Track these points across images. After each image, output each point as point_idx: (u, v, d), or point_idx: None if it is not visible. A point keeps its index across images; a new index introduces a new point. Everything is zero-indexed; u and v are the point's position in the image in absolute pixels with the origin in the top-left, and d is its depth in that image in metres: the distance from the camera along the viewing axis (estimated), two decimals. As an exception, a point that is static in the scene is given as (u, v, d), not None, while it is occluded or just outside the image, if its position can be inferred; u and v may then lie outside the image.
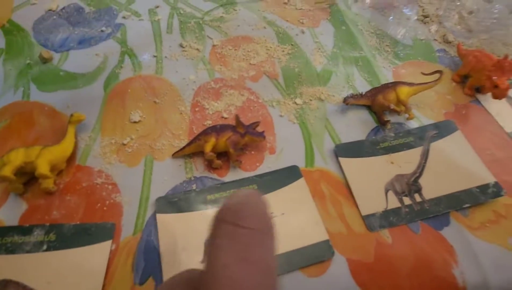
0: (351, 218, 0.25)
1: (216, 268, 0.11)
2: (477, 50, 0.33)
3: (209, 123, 0.30)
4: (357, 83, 0.34)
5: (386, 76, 0.35)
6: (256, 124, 0.29)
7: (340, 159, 0.28)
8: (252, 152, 0.28)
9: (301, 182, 0.27)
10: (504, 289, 0.24)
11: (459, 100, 0.33)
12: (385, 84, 0.31)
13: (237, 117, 0.27)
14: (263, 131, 0.28)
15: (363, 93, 0.31)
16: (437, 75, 0.30)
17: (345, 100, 0.30)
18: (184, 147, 0.27)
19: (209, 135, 0.26)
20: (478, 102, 0.33)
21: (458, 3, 0.40)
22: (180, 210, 0.25)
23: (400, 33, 0.38)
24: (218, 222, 0.12)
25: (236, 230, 0.12)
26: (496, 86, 0.31)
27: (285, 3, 0.41)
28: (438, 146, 0.29)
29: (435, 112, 0.32)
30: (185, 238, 0.24)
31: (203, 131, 0.27)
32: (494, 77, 0.30)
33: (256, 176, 0.27)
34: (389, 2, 0.41)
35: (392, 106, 0.29)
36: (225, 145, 0.26)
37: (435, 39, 0.39)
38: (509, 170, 0.28)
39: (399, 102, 0.30)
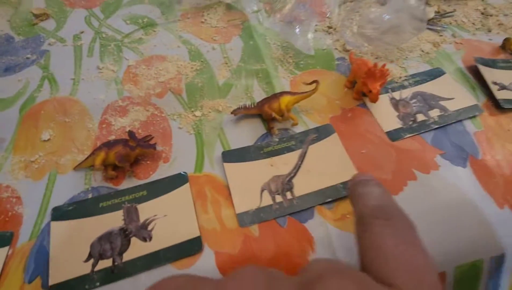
0: (227, 217, 0.29)
1: (387, 248, 0.12)
2: (359, 59, 0.37)
3: (112, 138, 0.33)
4: (255, 93, 0.38)
5: (284, 85, 0.38)
6: (150, 137, 0.32)
7: (225, 164, 0.31)
8: (148, 162, 0.32)
9: (186, 187, 0.30)
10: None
11: (347, 104, 0.37)
12: (274, 94, 0.35)
13: (129, 132, 0.30)
14: (155, 143, 0.31)
15: (255, 103, 0.35)
16: (314, 85, 0.34)
17: (233, 111, 0.34)
18: (82, 161, 0.30)
19: (100, 149, 0.29)
20: (364, 105, 0.37)
21: (358, 13, 0.43)
22: (73, 217, 0.28)
23: (303, 44, 0.41)
24: (371, 218, 0.14)
25: (389, 223, 0.14)
26: (370, 91, 0.34)
27: (202, 22, 0.45)
28: (315, 148, 0.33)
29: (321, 117, 0.36)
30: (75, 242, 0.27)
31: (98, 146, 0.30)
32: (368, 83, 0.34)
33: (147, 183, 0.30)
34: (297, 15, 0.44)
35: (273, 115, 0.33)
36: (115, 158, 0.29)
37: (336, 48, 0.43)
38: (377, 166, 0.32)
39: (280, 110, 0.33)
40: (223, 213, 0.29)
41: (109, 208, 0.29)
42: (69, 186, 0.30)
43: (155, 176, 0.31)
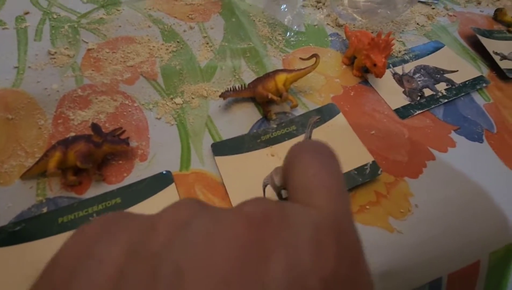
0: (225, 220, 0.24)
1: (307, 177, 0.13)
2: (358, 31, 0.33)
3: (72, 135, 0.27)
4: (244, 75, 0.33)
5: (276, 65, 0.34)
6: (120, 130, 0.26)
7: (216, 158, 0.26)
8: (120, 162, 0.26)
9: (171, 188, 0.24)
10: (384, 271, 0.23)
11: (348, 82, 0.33)
12: (266, 73, 0.30)
13: (93, 125, 0.24)
14: (127, 138, 0.25)
15: (246, 85, 0.30)
16: (313, 60, 0.30)
17: (222, 94, 0.29)
18: (32, 167, 0.24)
19: (55, 149, 0.23)
20: (367, 82, 0.33)
21: (348, -13, 0.40)
22: (22, 239, 0.21)
23: (292, 20, 0.37)
24: (298, 153, 0.15)
25: (316, 155, 0.14)
26: (375, 65, 0.31)
27: (175, 0, 0.39)
28: (321, 132, 0.28)
29: (323, 97, 0.32)
30: (27, 274, 0.20)
31: (52, 146, 0.24)
32: (371, 55, 0.31)
33: (120, 188, 0.24)
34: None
35: (270, 96, 0.28)
36: (75, 158, 0.23)
37: (328, 24, 0.39)
38: (390, 147, 0.28)
39: (277, 90, 0.29)
40: (221, 216, 0.24)
41: (71, 224, 0.22)
42: (15, 200, 0.23)
43: (131, 179, 0.25)
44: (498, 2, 0.45)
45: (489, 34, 0.39)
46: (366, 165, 0.26)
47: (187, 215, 0.11)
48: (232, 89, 0.29)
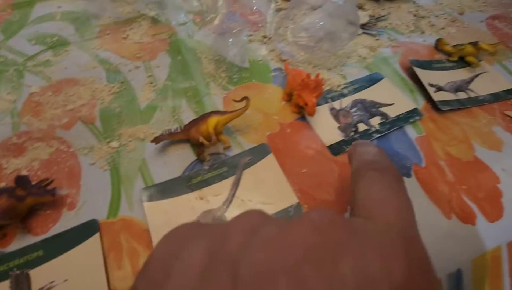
0: (147, 269, 0.24)
1: (373, 191, 0.15)
2: (294, 69, 0.34)
3: (3, 185, 0.27)
4: (184, 115, 0.33)
5: (216, 103, 0.35)
6: (48, 180, 0.27)
7: (145, 204, 0.27)
8: (47, 211, 0.26)
9: (95, 238, 0.25)
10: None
11: (286, 118, 0.34)
12: (202, 115, 0.31)
13: (17, 179, 0.24)
14: (54, 188, 0.26)
15: (183, 127, 0.31)
16: (244, 102, 0.31)
17: (154, 139, 0.29)
18: (-46, 222, 0.24)
19: (-27, 206, 0.23)
20: (304, 118, 0.34)
21: (292, 20, 0.41)
22: None
23: (236, 56, 0.39)
24: (366, 170, 0.17)
25: (380, 174, 0.16)
26: (306, 104, 0.32)
27: (124, 38, 0.40)
28: (251, 173, 0.29)
29: (258, 136, 0.32)
30: None
31: (-26, 201, 0.24)
32: (302, 95, 0.32)
33: (43, 240, 0.24)
34: (229, 26, 0.42)
35: (201, 139, 0.29)
36: (-5, 214, 0.24)
37: (272, 59, 0.40)
38: (319, 186, 0.29)
39: (208, 134, 0.30)
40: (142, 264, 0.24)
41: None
42: None
43: (57, 229, 0.25)
44: (442, 31, 0.47)
45: (427, 65, 0.40)
46: (290, 207, 0.27)
47: (256, 222, 0.13)
48: (166, 133, 0.30)
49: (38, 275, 0.23)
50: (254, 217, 0.13)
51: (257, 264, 0.11)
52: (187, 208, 0.27)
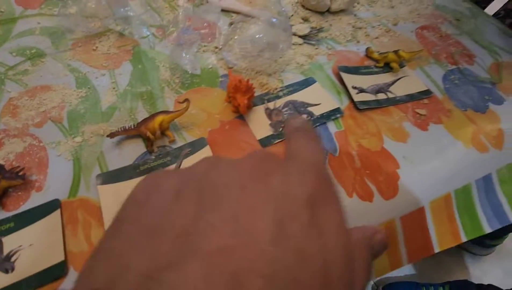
0: (96, 237, 0.30)
1: (292, 150, 0.17)
2: (233, 76, 0.41)
3: (-17, 173, 0.33)
4: (139, 115, 0.39)
5: (168, 105, 0.41)
6: (20, 168, 0.32)
7: (99, 187, 0.33)
8: (19, 193, 0.32)
9: (56, 213, 0.31)
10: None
11: (226, 117, 0.40)
12: (151, 114, 0.37)
13: (-8, 166, 0.30)
14: (23, 174, 0.32)
15: (135, 125, 0.37)
16: (186, 103, 0.37)
17: (110, 134, 0.35)
18: None
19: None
20: (242, 117, 0.40)
21: (239, 32, 0.48)
22: None
23: (189, 64, 0.45)
24: (294, 132, 0.19)
25: (306, 134, 0.19)
26: (239, 104, 0.38)
27: (94, 50, 0.46)
28: (189, 162, 0.35)
29: (201, 131, 0.39)
30: None
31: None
32: (236, 97, 0.38)
33: (14, 215, 0.30)
34: (185, 38, 0.48)
35: (147, 134, 0.35)
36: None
37: (221, 66, 0.46)
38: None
39: (154, 129, 0.36)
40: (93, 233, 0.30)
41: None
42: None
43: (27, 206, 0.31)
44: (376, 40, 0.53)
45: (355, 70, 0.47)
46: None
47: (215, 157, 0.17)
48: (120, 129, 0.36)
49: (10, 241, 0.29)
50: (211, 158, 0.17)
51: (215, 181, 0.15)
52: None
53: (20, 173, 0.32)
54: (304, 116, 0.41)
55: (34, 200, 0.32)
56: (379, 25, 0.56)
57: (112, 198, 0.32)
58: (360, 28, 0.54)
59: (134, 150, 0.36)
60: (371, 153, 0.38)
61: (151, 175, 0.17)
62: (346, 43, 0.52)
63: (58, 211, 0.31)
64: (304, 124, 0.21)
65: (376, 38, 0.53)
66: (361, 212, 0.34)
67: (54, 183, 0.33)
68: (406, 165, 0.38)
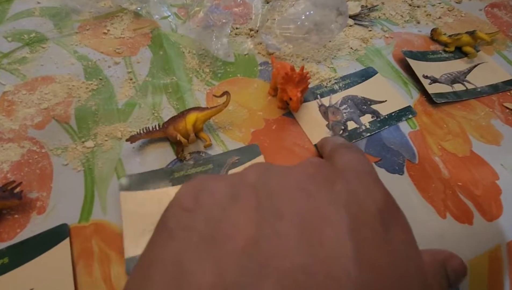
0: (118, 277, 0.22)
1: (342, 159, 0.17)
2: (279, 62, 0.33)
3: (-30, 189, 0.26)
4: (164, 112, 0.32)
5: (199, 99, 0.33)
6: (16, 184, 0.25)
7: (121, 193, 0.25)
8: (15, 216, 0.24)
9: (64, 244, 0.23)
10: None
11: (271, 114, 0.32)
12: (181, 112, 0.29)
13: (-20, 182, 0.23)
14: (21, 191, 0.24)
15: (161, 125, 0.29)
16: (224, 97, 0.29)
17: (129, 138, 0.27)
18: None
19: None
20: (291, 114, 0.33)
21: (280, 12, 0.40)
22: None
23: (220, 50, 0.37)
24: (337, 147, 0.19)
25: (349, 148, 0.19)
26: (290, 99, 0.30)
27: (105, 33, 0.39)
28: (233, 172, 0.28)
29: (242, 133, 0.31)
30: None
31: None
32: (286, 89, 0.30)
33: (9, 246, 0.23)
34: (214, 19, 0.40)
35: (179, 137, 0.27)
36: (-44, 220, 0.22)
37: (259, 52, 0.38)
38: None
39: (187, 131, 0.28)
40: (114, 271, 0.23)
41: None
42: None
43: (25, 234, 0.24)
44: (439, 20, 0.45)
45: (422, 56, 0.39)
46: None
47: (264, 166, 0.15)
48: (143, 131, 0.28)
49: (2, 284, 0.22)
50: (261, 164, 0.16)
51: (273, 186, 0.13)
52: (165, 202, 0.25)
53: (16, 190, 0.24)
54: (369, 116, 0.33)
55: (35, 225, 0.24)
56: (439, 3, 0.47)
57: (136, 211, 0.24)
58: (418, 6, 0.46)
59: (160, 158, 0.29)
60: (459, 160, 0.31)
61: (196, 179, 0.15)
62: (404, 23, 0.43)
63: (67, 241, 0.23)
64: (345, 142, 0.22)
65: (439, 18, 0.45)
66: (459, 237, 0.26)
67: (60, 202, 0.25)
68: (507, 175, 0.30)
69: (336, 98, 0.34)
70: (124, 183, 0.25)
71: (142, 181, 0.26)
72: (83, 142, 0.29)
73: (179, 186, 0.26)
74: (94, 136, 0.29)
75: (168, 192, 0.25)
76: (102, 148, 0.29)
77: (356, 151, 0.18)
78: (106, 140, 0.29)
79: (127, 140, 0.27)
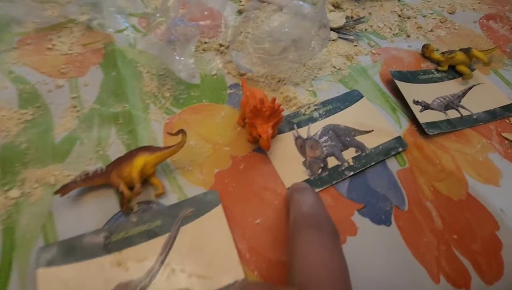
0: None
1: (309, 254, 0.17)
2: (249, 89, 0.28)
3: None
4: (111, 149, 0.27)
5: (155, 133, 0.28)
6: None
7: (39, 271, 0.20)
8: None
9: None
10: None
11: (240, 150, 0.28)
12: (129, 152, 0.24)
13: None
14: None
15: (103, 169, 0.24)
16: (181, 136, 0.24)
17: (59, 190, 0.22)
18: None
19: None
20: (262, 149, 0.28)
21: (256, 24, 0.35)
22: None
23: (184, 70, 0.32)
24: (304, 227, 0.19)
25: (318, 232, 0.18)
26: (260, 136, 0.26)
27: (49, 49, 0.33)
28: (189, 230, 0.23)
29: (204, 174, 0.26)
30: None
31: None
32: (256, 124, 0.25)
33: None
34: (182, 32, 0.35)
35: (121, 188, 0.23)
36: None
37: (228, 72, 0.34)
38: (275, 242, 0.23)
39: (132, 179, 0.23)
40: None
41: None
42: None
43: None
44: (431, 33, 0.41)
45: (412, 77, 0.34)
46: (234, 283, 0.21)
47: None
48: (80, 177, 0.23)
49: None
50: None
51: None
52: (98, 279, 0.20)
53: None
54: (352, 150, 0.29)
55: None
56: (431, 13, 0.43)
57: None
58: (408, 17, 0.42)
59: (101, 210, 0.24)
60: (454, 205, 0.27)
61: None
62: (393, 37, 0.39)
63: (-33, 333, 0.19)
64: (314, 202, 0.21)
65: (431, 31, 0.41)
66: (455, 306, 0.23)
67: (-32, 274, 0.21)
68: (507, 224, 0.26)
69: (316, 128, 0.30)
70: (45, 256, 0.20)
71: (69, 250, 0.21)
72: (6, 191, 0.23)
73: (117, 254, 0.21)
74: (21, 183, 0.24)
75: (102, 265, 0.20)
76: (29, 199, 0.23)
77: (326, 238, 0.18)
78: (35, 188, 0.24)
79: (56, 193, 0.22)
